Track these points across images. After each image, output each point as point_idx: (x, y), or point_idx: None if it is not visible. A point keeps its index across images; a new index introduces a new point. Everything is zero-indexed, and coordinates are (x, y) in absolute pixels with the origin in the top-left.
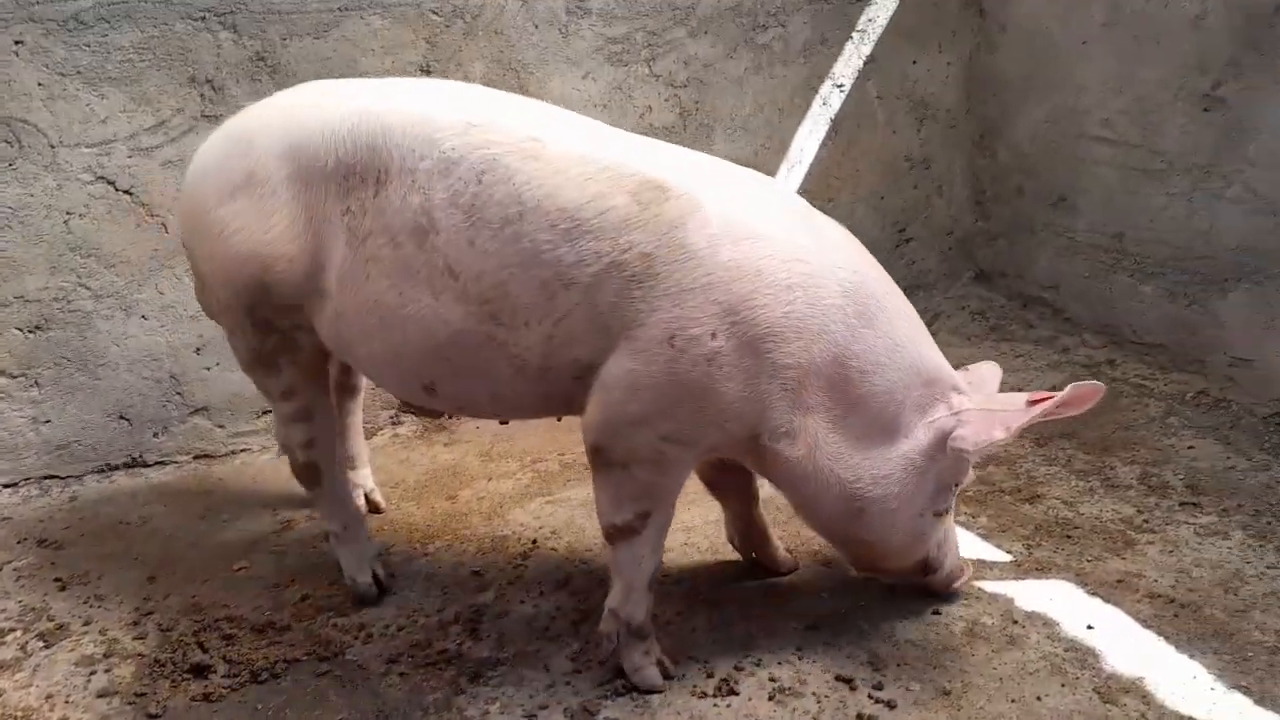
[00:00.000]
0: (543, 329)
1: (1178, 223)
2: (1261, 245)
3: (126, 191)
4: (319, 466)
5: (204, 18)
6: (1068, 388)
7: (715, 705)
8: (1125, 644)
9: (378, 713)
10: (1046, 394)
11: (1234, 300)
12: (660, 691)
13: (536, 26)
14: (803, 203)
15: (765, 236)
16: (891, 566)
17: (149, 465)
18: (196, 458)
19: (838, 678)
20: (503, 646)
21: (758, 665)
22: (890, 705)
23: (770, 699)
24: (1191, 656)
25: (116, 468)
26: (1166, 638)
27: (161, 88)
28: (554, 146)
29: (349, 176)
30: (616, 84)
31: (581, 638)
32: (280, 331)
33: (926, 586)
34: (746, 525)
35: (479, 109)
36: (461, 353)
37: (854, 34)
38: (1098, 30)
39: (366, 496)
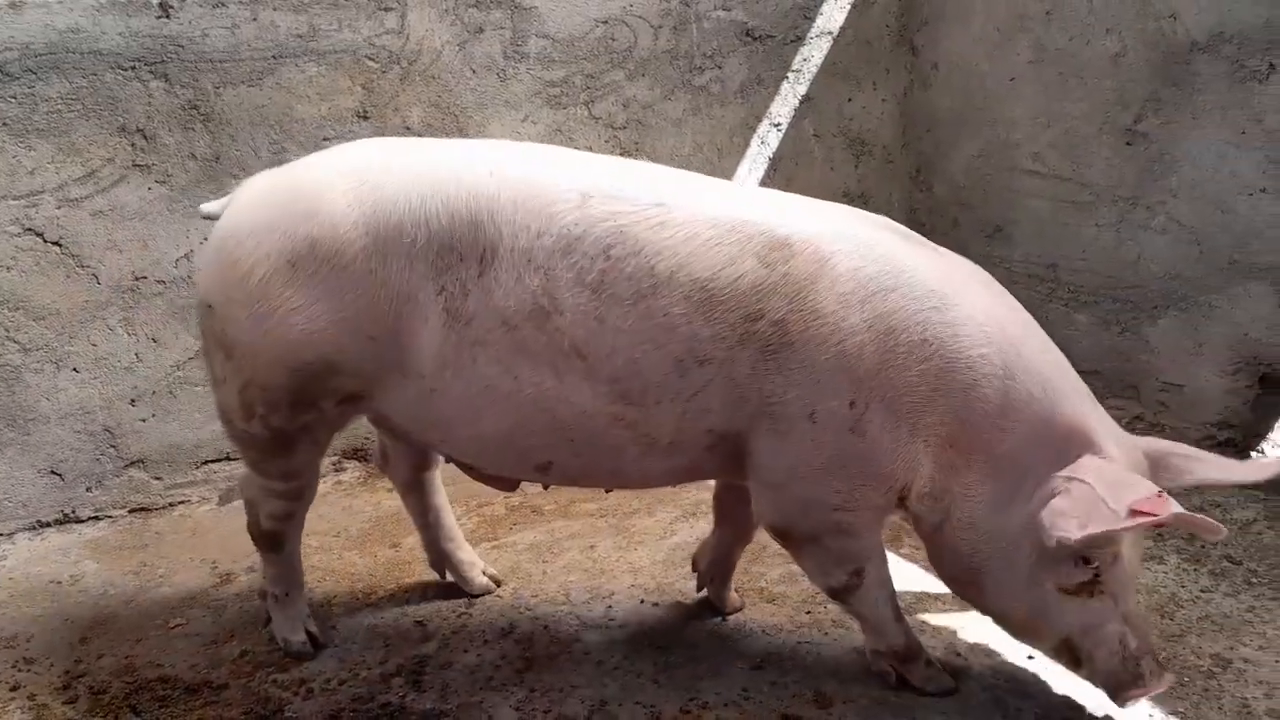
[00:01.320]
0: (675, 407)
1: (1107, 252)
2: (1187, 273)
3: (55, 243)
4: (284, 536)
5: (134, 67)
6: (1173, 512)
7: None
8: (1065, 673)
9: None
10: (1154, 502)
11: (1163, 327)
12: (954, 692)
13: (474, 71)
14: (929, 243)
15: (896, 288)
16: (1029, 643)
17: (82, 521)
18: (132, 511)
19: (784, 717)
20: (446, 698)
21: (704, 708)
22: None
23: None
24: None
25: (48, 524)
26: None
27: (90, 138)
28: (680, 212)
29: (445, 253)
30: (556, 126)
31: (526, 686)
32: (322, 412)
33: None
34: (724, 557)
35: (588, 176)
36: (586, 433)
37: (789, 74)
38: (1024, 67)
39: (485, 573)
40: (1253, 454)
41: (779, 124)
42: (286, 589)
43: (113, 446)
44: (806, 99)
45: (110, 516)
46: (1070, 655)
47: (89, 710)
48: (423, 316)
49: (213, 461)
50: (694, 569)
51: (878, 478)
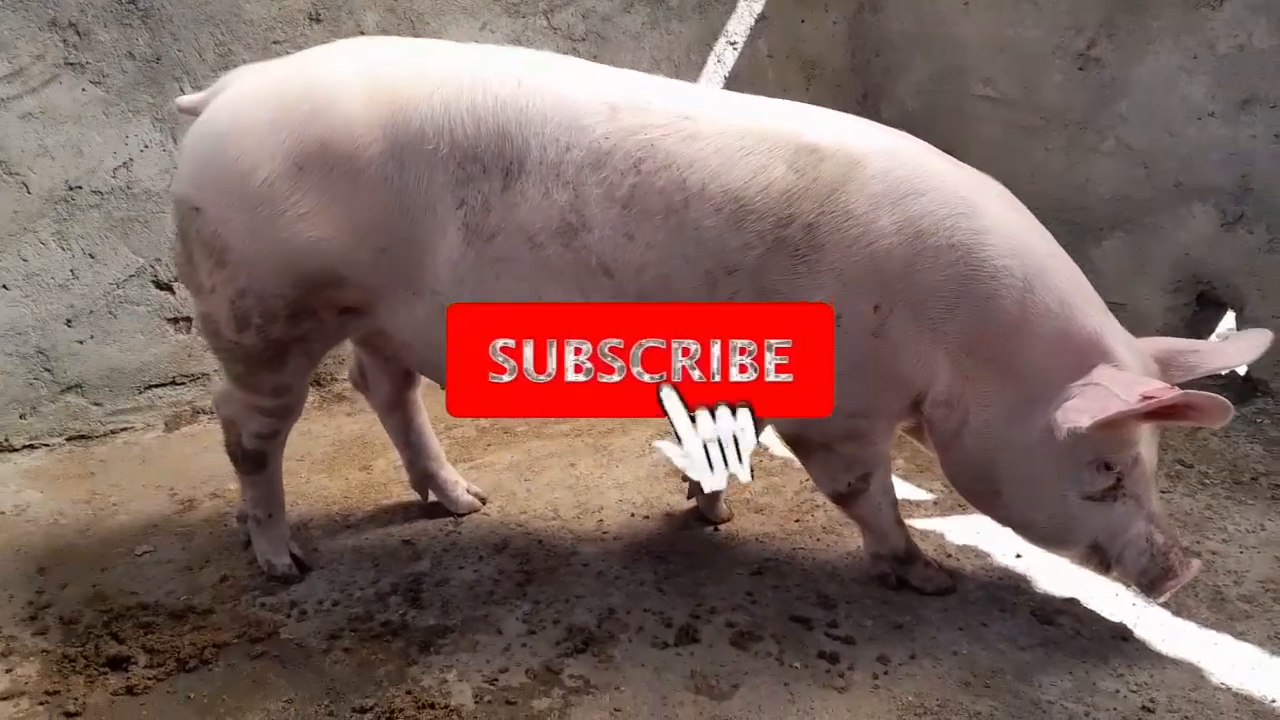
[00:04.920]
0: None
1: (1056, 176)
2: (1135, 195)
3: None
4: (268, 456)
5: None
6: (1180, 392)
7: (679, 654)
8: (1052, 570)
9: (326, 690)
10: (1163, 389)
11: (1108, 248)
12: (953, 590)
13: None
14: (948, 156)
15: (926, 192)
16: (1054, 551)
17: (16, 450)
18: (71, 439)
19: (793, 618)
20: (449, 613)
21: (713, 612)
22: (848, 641)
23: (732, 644)
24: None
25: None
26: None
27: (18, 32)
28: (708, 123)
29: (468, 164)
30: (515, 36)
31: (530, 599)
32: (321, 323)
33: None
34: None
35: (614, 88)
36: None
37: None
38: None
39: (469, 491)
40: None
41: (735, 42)
42: (269, 510)
43: (48, 370)
44: (762, 18)
45: (47, 445)
46: (1099, 559)
47: (64, 640)
48: (441, 230)
49: (157, 386)
50: (684, 478)
51: (897, 382)
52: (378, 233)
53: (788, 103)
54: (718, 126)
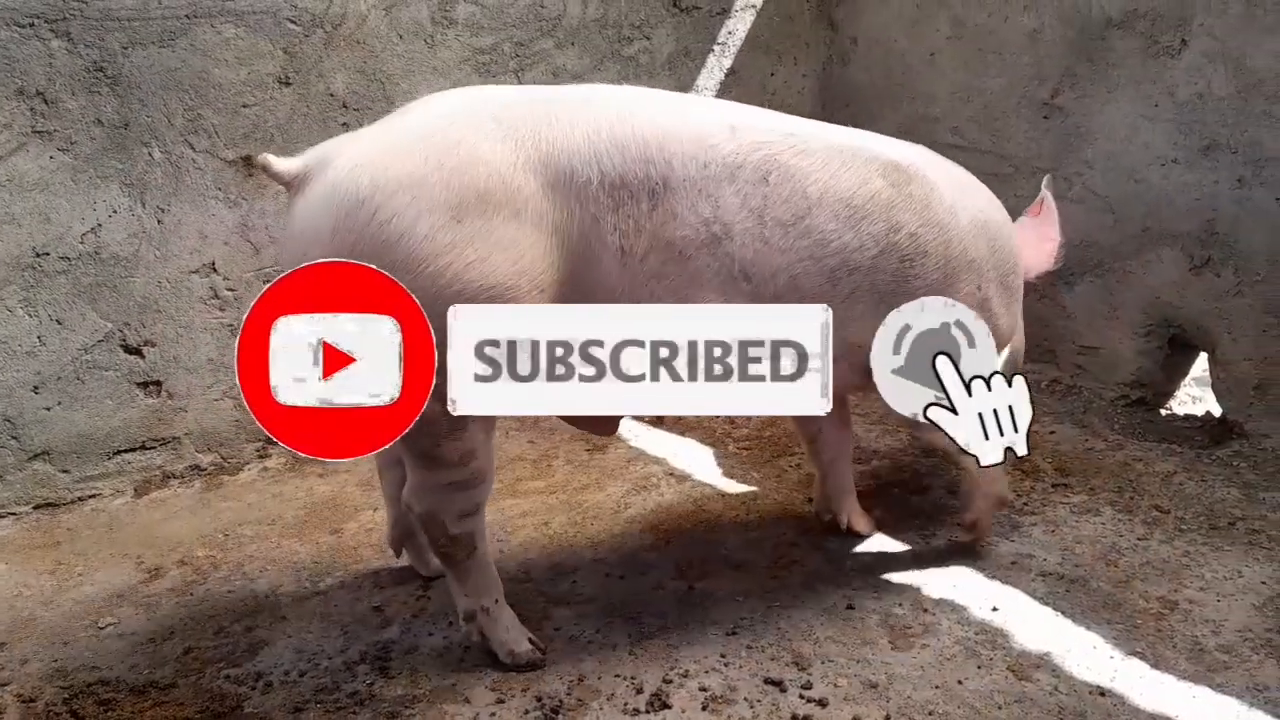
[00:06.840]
0: None
1: None
2: (1103, 240)
3: None
4: (475, 535)
5: (32, 24)
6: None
7: None
8: (1028, 622)
9: None
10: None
11: (1079, 292)
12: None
13: (401, 37)
14: None
15: (975, 191)
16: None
17: None
18: (38, 507)
19: (766, 681)
20: (417, 683)
21: (685, 676)
22: (822, 704)
23: (704, 709)
24: (1088, 628)
25: None
26: (1063, 612)
27: None
28: (810, 140)
29: (616, 192)
30: None
31: (499, 665)
32: None
33: None
34: (838, 475)
35: (723, 113)
36: None
37: (715, 46)
38: (944, 43)
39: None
40: (1162, 411)
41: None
42: (495, 595)
43: (14, 438)
44: (732, 72)
45: (14, 514)
46: None
47: (22, 719)
48: (595, 258)
49: (126, 451)
50: (821, 517)
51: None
52: (538, 272)
53: (837, 127)
54: (817, 144)
